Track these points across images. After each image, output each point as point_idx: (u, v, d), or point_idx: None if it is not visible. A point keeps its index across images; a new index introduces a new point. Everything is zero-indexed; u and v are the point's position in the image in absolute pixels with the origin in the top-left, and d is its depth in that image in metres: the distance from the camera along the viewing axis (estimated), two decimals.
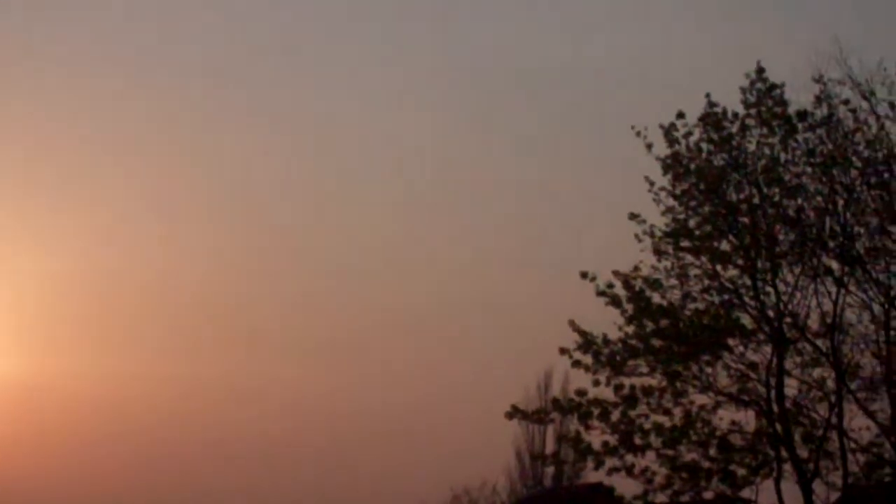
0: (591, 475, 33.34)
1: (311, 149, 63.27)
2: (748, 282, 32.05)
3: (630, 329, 32.43)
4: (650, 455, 31.92)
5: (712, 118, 32.35)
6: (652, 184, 32.63)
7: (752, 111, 32.34)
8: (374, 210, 61.15)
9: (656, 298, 32.40)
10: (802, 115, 32.00)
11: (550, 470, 40.24)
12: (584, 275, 32.55)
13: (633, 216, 32.65)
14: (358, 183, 62.17)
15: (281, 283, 59.88)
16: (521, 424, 39.85)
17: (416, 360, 55.11)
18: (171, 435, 55.64)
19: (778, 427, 31.42)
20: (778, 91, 32.32)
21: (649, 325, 32.29)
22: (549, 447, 43.19)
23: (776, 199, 32.01)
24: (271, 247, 61.46)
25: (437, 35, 64.22)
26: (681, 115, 32.61)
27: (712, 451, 31.84)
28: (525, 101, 62.56)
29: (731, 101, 32.49)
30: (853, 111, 31.50)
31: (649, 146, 32.56)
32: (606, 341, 32.35)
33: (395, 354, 55.71)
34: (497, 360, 52.05)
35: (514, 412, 33.44)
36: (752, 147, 32.25)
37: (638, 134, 32.52)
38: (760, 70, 32.52)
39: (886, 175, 30.87)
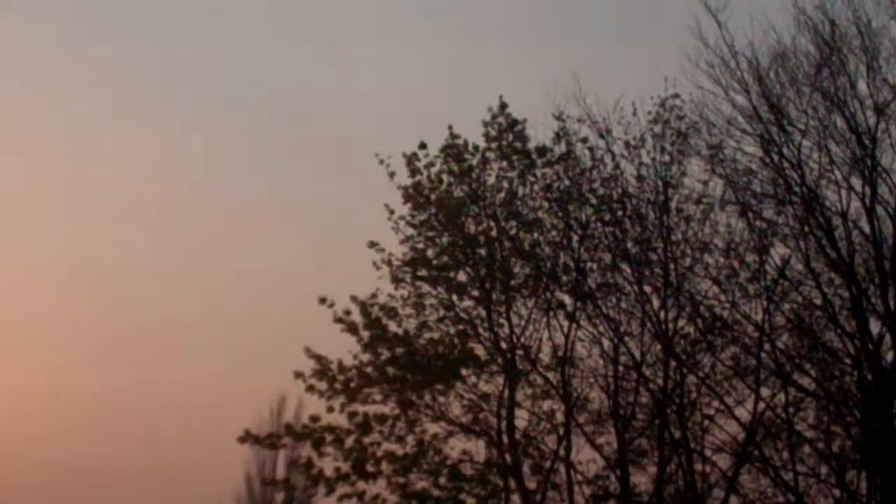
0: (322, 502, 33.12)
1: (59, 157, 61.33)
2: (483, 313, 32.42)
3: (366, 356, 32.48)
4: (381, 482, 31.93)
5: (453, 150, 32.67)
6: (392, 212, 32.77)
7: (493, 145, 32.78)
8: (118, 222, 59.80)
9: (393, 327, 32.53)
10: (542, 150, 32.59)
11: (280, 495, 39.75)
12: (322, 300, 32.49)
13: (372, 244, 32.73)
14: (107, 193, 60.67)
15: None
16: (253, 448, 39.26)
17: (150, 376, 53.96)
18: None
19: (507, 458, 31.79)
20: (519, 126, 32.85)
21: (385, 353, 32.36)
22: (281, 473, 42.88)
23: (513, 232, 32.49)
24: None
25: (174, 52, 63.21)
26: (423, 146, 32.88)
27: (443, 480, 31.99)
28: (271, 121, 62.08)
29: (477, 134, 33.00)
30: (590, 149, 32.20)
31: (392, 174, 32.77)
32: (342, 368, 32.28)
33: (129, 368, 54.45)
34: (231, 383, 51.42)
35: (247, 436, 33.06)
36: (491, 180, 32.67)
37: (381, 162, 32.70)
38: (503, 105, 33.01)
39: (619, 213, 31.57)
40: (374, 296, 32.66)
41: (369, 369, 32.36)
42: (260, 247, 57.82)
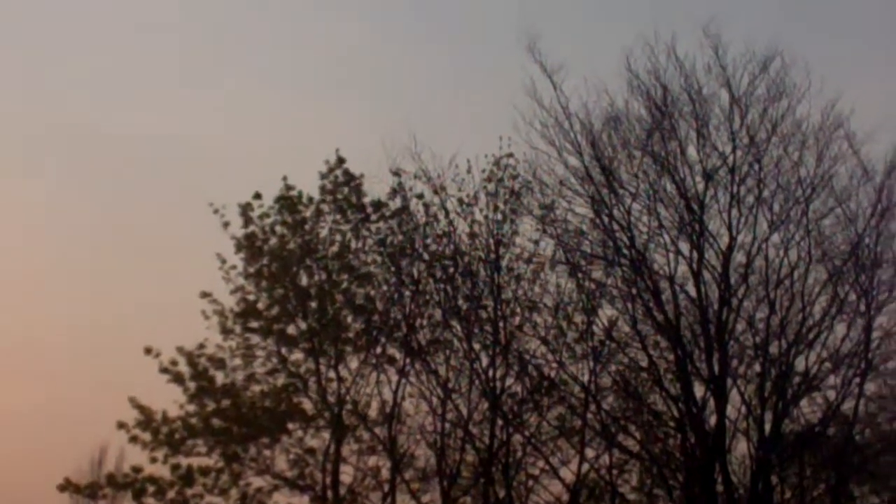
0: None
1: None
2: (312, 366, 32.12)
3: (191, 407, 31.98)
4: None
5: (288, 201, 32.48)
6: (224, 262, 32.45)
7: (329, 197, 32.65)
8: None
9: (220, 378, 32.12)
10: (377, 205, 32.53)
11: None
12: (147, 350, 32.03)
13: (204, 294, 32.36)
14: None
15: None
16: (73, 498, 38.24)
17: None
18: None
19: None
20: (356, 180, 32.74)
21: (210, 405, 31.91)
22: None
23: (345, 286, 32.30)
24: None
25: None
26: (257, 196, 32.68)
27: None
28: (102, 166, 61.05)
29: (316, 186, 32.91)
30: (425, 205, 32.19)
31: (226, 224, 32.50)
32: (166, 419, 31.74)
33: None
34: (51, 430, 50.11)
35: (67, 485, 32.28)
36: (325, 233, 32.49)
37: (216, 211, 32.43)
38: (340, 159, 32.90)
39: (451, 270, 31.54)
40: (202, 346, 32.25)
41: (194, 420, 31.86)
42: (88, 293, 56.57)
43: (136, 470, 31.83)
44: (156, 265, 52.82)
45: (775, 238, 29.82)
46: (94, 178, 60.47)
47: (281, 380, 32.32)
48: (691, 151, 29.91)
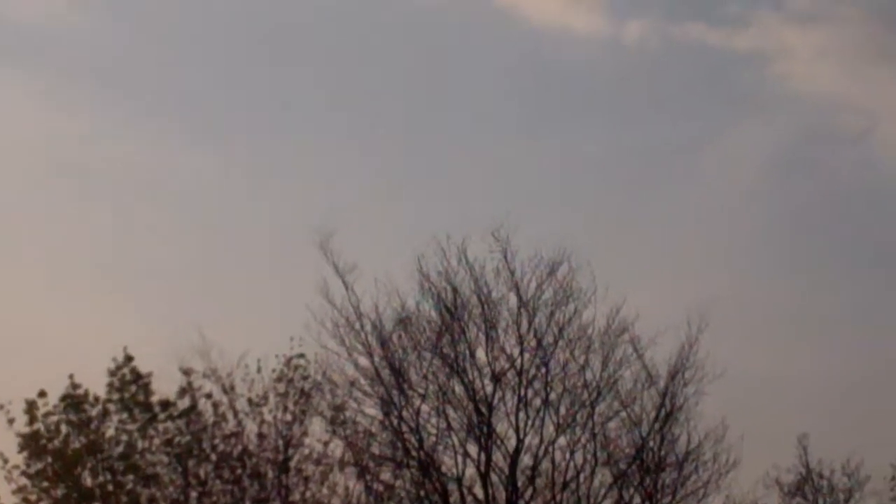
0: None
1: None
2: None
3: None
4: None
5: (73, 400, 31.87)
6: (6, 461, 31.56)
7: (116, 396, 32.14)
8: None
9: None
10: (165, 404, 32.10)
11: None
12: None
13: None
14: None
15: None
16: None
17: None
18: None
19: None
20: (143, 379, 32.32)
21: None
22: None
23: (130, 486, 31.63)
24: None
25: None
26: (42, 394, 31.98)
27: None
28: None
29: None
30: (215, 405, 31.86)
31: (11, 421, 31.68)
32: None
33: None
34: None
35: None
36: (110, 432, 31.89)
37: (1, 408, 31.64)
38: (128, 357, 32.47)
39: (239, 470, 31.19)
40: None
41: None
42: None
43: None
44: None
45: (562, 440, 30.35)
46: None
47: None
48: (480, 354, 30.40)
